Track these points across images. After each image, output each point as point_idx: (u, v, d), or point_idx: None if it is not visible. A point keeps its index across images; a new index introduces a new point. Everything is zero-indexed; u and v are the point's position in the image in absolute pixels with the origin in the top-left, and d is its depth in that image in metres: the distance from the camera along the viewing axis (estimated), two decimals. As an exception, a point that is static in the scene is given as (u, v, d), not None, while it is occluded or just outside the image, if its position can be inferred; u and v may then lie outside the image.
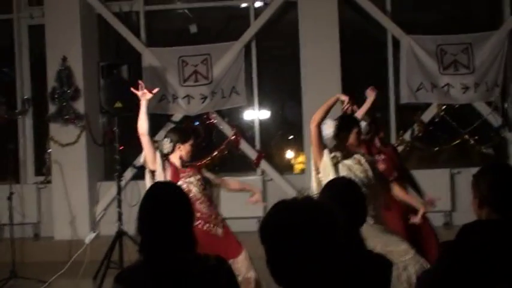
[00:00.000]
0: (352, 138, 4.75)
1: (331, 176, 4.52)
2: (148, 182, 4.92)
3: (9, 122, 8.68)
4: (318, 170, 4.69)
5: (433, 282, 2.63)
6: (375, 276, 2.52)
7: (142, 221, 2.68)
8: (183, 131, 5.29)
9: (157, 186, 2.95)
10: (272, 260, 1.75)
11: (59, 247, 7.87)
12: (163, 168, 4.91)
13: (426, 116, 8.01)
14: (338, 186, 2.78)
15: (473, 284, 2.47)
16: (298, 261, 1.71)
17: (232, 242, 4.91)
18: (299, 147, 8.58)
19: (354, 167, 4.65)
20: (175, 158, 4.98)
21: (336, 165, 4.64)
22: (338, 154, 4.69)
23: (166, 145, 4.99)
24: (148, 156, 4.95)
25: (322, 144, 4.71)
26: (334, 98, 4.84)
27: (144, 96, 5.12)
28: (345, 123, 4.84)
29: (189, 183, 4.88)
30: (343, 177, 3.41)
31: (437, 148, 8.13)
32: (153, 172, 4.96)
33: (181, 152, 4.98)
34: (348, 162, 4.68)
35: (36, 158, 8.74)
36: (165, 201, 2.69)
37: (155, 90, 5.32)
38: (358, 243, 2.58)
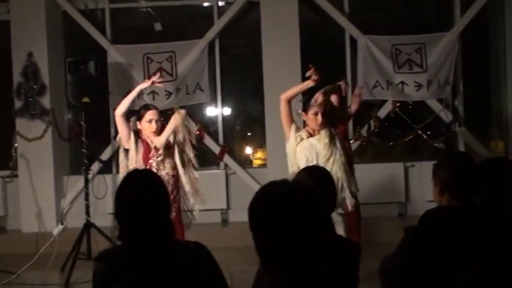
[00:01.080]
0: (310, 118, 4.95)
1: (290, 152, 4.81)
2: (122, 160, 5.07)
3: (-26, 117, 8.51)
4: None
5: (397, 267, 2.67)
6: (345, 259, 2.58)
7: (119, 209, 2.66)
8: (139, 109, 5.44)
9: (133, 173, 2.92)
10: (260, 241, 1.75)
11: (27, 239, 7.74)
12: (136, 147, 5.02)
13: (382, 112, 8.13)
14: (314, 173, 2.84)
15: (435, 266, 2.53)
16: (286, 242, 1.72)
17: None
18: (261, 142, 8.62)
19: (316, 145, 4.88)
20: (147, 138, 5.12)
21: (298, 143, 4.90)
22: (304, 132, 4.93)
23: (131, 123, 5.26)
24: (122, 135, 5.08)
25: (290, 119, 5.10)
26: (307, 83, 5.05)
27: (148, 83, 5.40)
28: (303, 103, 5.08)
29: (159, 163, 5.01)
30: (317, 166, 3.48)
31: (392, 143, 8.27)
32: (127, 150, 5.07)
33: (142, 129, 5.15)
34: (311, 140, 4.91)
35: (2, 152, 8.55)
36: (142, 189, 2.65)
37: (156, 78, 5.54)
38: (329, 228, 2.64)
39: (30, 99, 8.09)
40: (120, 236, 2.69)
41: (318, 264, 1.78)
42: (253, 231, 1.76)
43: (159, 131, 5.18)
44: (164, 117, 8.34)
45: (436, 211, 2.72)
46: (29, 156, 8.07)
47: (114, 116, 8.16)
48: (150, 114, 5.11)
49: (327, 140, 5.01)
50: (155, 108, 5.33)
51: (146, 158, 5.15)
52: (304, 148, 5.04)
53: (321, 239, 1.76)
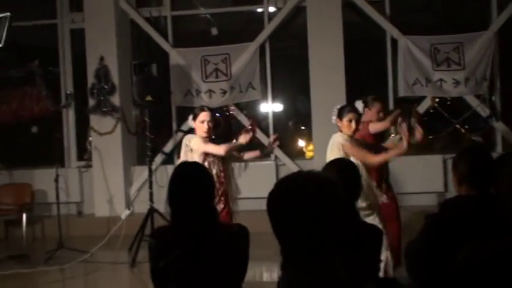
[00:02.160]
0: (345, 124, 4.82)
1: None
2: (183, 156, 5.07)
3: (55, 114, 8.81)
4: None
5: (419, 250, 2.71)
6: (368, 242, 2.63)
7: (171, 196, 2.79)
8: (195, 109, 5.34)
9: (183, 165, 3.05)
10: (278, 229, 1.67)
11: (99, 223, 8.00)
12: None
13: (421, 108, 8.04)
14: (339, 165, 2.89)
15: (453, 249, 2.56)
16: (304, 230, 1.63)
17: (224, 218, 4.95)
18: (308, 136, 8.66)
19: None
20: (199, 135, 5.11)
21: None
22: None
23: (189, 121, 5.23)
24: (201, 149, 5.02)
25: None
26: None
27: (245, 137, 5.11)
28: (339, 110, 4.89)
29: (210, 163, 5.02)
30: (344, 158, 3.52)
31: (431, 136, 8.16)
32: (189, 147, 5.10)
33: (196, 128, 5.11)
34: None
35: (78, 145, 8.87)
36: (189, 178, 2.78)
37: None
38: (353, 214, 2.69)
39: (102, 98, 8.35)
40: (171, 218, 2.83)
41: (335, 256, 1.67)
42: (271, 221, 1.68)
43: (210, 132, 5.17)
44: (220, 112, 8.62)
45: (454, 200, 2.73)
46: (101, 149, 8.34)
47: (176, 112, 8.47)
48: (203, 116, 5.11)
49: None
50: (209, 110, 5.33)
51: (204, 159, 5.13)
52: None
53: (339, 230, 1.66)
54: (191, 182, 2.79)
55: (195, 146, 5.00)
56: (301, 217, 1.63)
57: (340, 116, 4.80)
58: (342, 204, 1.67)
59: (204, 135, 5.08)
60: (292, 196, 1.65)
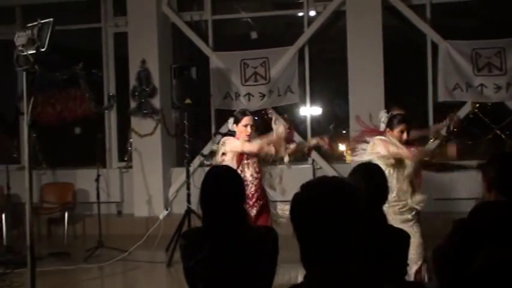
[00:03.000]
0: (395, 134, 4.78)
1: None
2: (218, 159, 5.14)
3: (97, 115, 9.00)
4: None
5: (447, 255, 2.72)
6: (394, 246, 2.64)
7: (202, 198, 2.85)
8: (237, 113, 5.35)
9: (214, 169, 3.13)
10: (299, 231, 1.74)
11: (138, 222, 8.14)
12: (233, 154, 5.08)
13: (461, 113, 7.93)
14: (366, 170, 2.91)
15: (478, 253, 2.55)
16: (323, 234, 1.70)
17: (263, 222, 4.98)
18: (346, 139, 8.63)
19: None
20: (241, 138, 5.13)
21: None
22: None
23: (230, 124, 5.28)
24: (234, 149, 5.07)
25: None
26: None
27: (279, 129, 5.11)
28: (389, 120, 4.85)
29: (244, 165, 5.07)
30: (371, 162, 3.54)
31: (470, 142, 8.04)
32: (223, 154, 5.09)
33: (238, 131, 5.13)
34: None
35: (119, 146, 9.06)
36: (220, 181, 2.84)
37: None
38: (380, 218, 2.71)
39: (143, 100, 8.53)
40: (202, 219, 2.91)
41: (355, 257, 1.73)
42: (292, 223, 1.76)
43: (251, 136, 5.19)
44: (258, 115, 8.67)
45: (483, 205, 2.72)
46: (141, 150, 8.50)
47: (215, 115, 8.56)
48: (246, 120, 5.13)
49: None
50: (251, 114, 5.37)
51: (239, 161, 5.14)
52: None
53: (358, 234, 1.73)
54: (221, 184, 2.86)
55: (229, 148, 5.06)
56: (320, 222, 1.70)
57: (390, 125, 4.75)
58: (361, 209, 1.75)
59: (246, 138, 5.10)
60: (313, 202, 1.73)
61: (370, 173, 2.81)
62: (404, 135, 4.74)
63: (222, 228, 2.75)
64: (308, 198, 1.76)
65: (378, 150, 4.66)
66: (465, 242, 2.64)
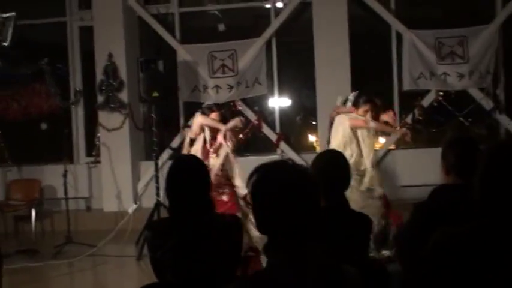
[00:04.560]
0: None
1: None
2: (187, 147, 5.26)
3: (64, 110, 8.91)
4: None
5: (407, 237, 2.78)
6: (356, 230, 2.70)
7: (168, 188, 2.87)
8: (205, 108, 5.58)
9: (180, 158, 3.15)
10: (259, 211, 1.78)
11: (107, 217, 8.10)
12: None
13: (426, 101, 8.08)
14: (329, 156, 2.96)
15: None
16: (279, 217, 1.73)
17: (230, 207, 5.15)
18: (313, 129, 8.71)
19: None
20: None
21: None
22: None
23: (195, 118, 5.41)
24: (195, 129, 5.29)
25: None
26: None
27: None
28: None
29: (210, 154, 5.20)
30: (334, 150, 3.60)
31: (435, 129, 8.18)
32: (192, 141, 5.29)
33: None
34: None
35: (87, 141, 8.98)
36: (186, 171, 2.86)
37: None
38: (342, 202, 2.76)
39: (110, 94, 8.46)
40: (168, 209, 2.92)
41: (314, 240, 1.77)
42: (253, 201, 1.80)
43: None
44: (227, 107, 8.69)
45: (441, 188, 2.80)
46: (109, 145, 8.44)
47: (184, 108, 8.56)
48: (213, 116, 5.31)
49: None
50: (218, 110, 5.50)
51: (205, 151, 5.31)
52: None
53: (314, 217, 1.76)
54: (187, 174, 2.87)
55: (195, 124, 5.26)
56: (275, 205, 1.73)
57: (356, 103, 4.93)
58: (315, 193, 1.78)
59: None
60: (266, 186, 1.77)
61: (332, 159, 2.86)
62: (369, 116, 4.88)
63: (189, 218, 2.77)
64: (265, 180, 1.79)
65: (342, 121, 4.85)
66: (424, 224, 2.71)
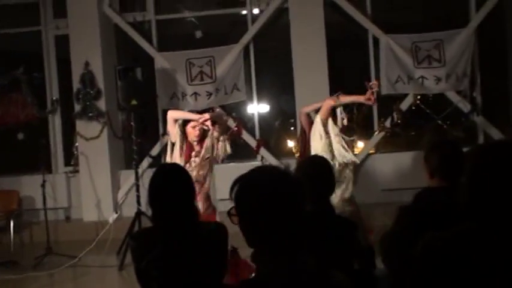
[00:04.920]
0: None
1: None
2: (169, 153, 5.29)
3: (41, 120, 8.80)
4: None
5: (393, 241, 2.78)
6: (342, 236, 2.69)
7: (151, 196, 2.85)
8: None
9: (162, 167, 3.13)
10: (247, 223, 1.75)
11: (87, 227, 8.01)
12: (181, 145, 5.27)
13: (404, 105, 8.14)
14: (313, 163, 2.96)
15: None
16: (271, 221, 1.70)
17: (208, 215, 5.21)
18: (293, 134, 8.71)
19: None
20: (190, 140, 5.34)
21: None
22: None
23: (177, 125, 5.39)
24: (171, 131, 5.34)
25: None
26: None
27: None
28: None
29: (196, 164, 5.20)
30: (317, 156, 3.60)
31: (413, 133, 8.25)
32: (173, 144, 5.32)
33: (187, 133, 5.35)
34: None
35: (65, 151, 8.88)
36: (168, 179, 2.84)
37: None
38: (328, 208, 2.76)
39: (87, 103, 8.35)
40: (152, 219, 2.88)
41: (303, 247, 1.75)
42: (238, 213, 1.77)
43: (200, 136, 5.35)
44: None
45: (426, 191, 2.81)
46: (88, 154, 8.34)
47: (163, 116, 8.50)
48: (193, 122, 5.33)
49: None
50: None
51: (187, 157, 5.33)
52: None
53: (301, 224, 1.74)
54: (170, 182, 2.85)
55: (168, 124, 5.34)
56: (263, 214, 1.71)
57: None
58: (301, 199, 1.75)
59: (196, 139, 5.33)
60: (251, 195, 1.74)
61: (316, 165, 2.86)
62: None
63: (173, 226, 2.74)
64: (248, 190, 1.76)
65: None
66: (409, 227, 2.72)
